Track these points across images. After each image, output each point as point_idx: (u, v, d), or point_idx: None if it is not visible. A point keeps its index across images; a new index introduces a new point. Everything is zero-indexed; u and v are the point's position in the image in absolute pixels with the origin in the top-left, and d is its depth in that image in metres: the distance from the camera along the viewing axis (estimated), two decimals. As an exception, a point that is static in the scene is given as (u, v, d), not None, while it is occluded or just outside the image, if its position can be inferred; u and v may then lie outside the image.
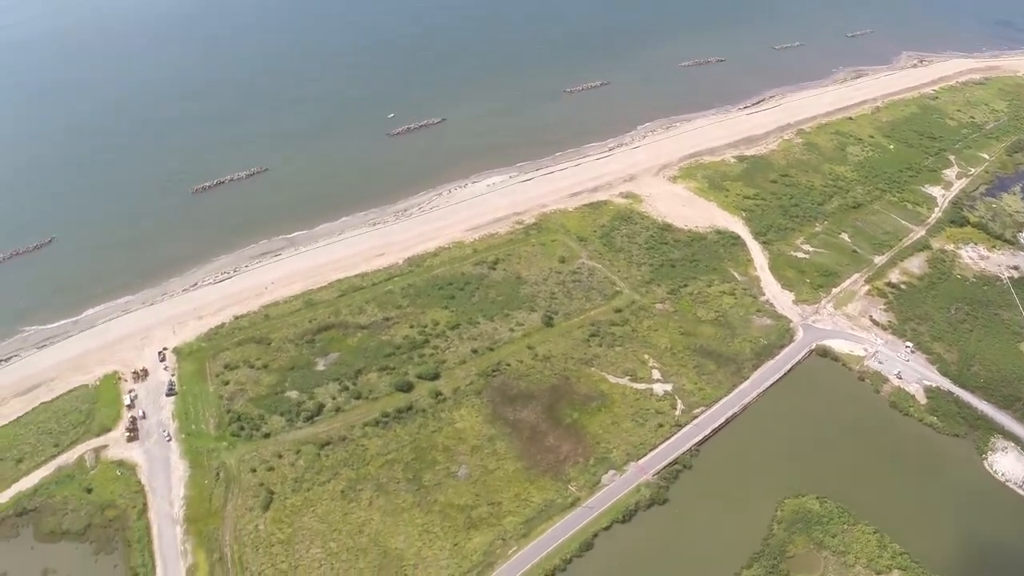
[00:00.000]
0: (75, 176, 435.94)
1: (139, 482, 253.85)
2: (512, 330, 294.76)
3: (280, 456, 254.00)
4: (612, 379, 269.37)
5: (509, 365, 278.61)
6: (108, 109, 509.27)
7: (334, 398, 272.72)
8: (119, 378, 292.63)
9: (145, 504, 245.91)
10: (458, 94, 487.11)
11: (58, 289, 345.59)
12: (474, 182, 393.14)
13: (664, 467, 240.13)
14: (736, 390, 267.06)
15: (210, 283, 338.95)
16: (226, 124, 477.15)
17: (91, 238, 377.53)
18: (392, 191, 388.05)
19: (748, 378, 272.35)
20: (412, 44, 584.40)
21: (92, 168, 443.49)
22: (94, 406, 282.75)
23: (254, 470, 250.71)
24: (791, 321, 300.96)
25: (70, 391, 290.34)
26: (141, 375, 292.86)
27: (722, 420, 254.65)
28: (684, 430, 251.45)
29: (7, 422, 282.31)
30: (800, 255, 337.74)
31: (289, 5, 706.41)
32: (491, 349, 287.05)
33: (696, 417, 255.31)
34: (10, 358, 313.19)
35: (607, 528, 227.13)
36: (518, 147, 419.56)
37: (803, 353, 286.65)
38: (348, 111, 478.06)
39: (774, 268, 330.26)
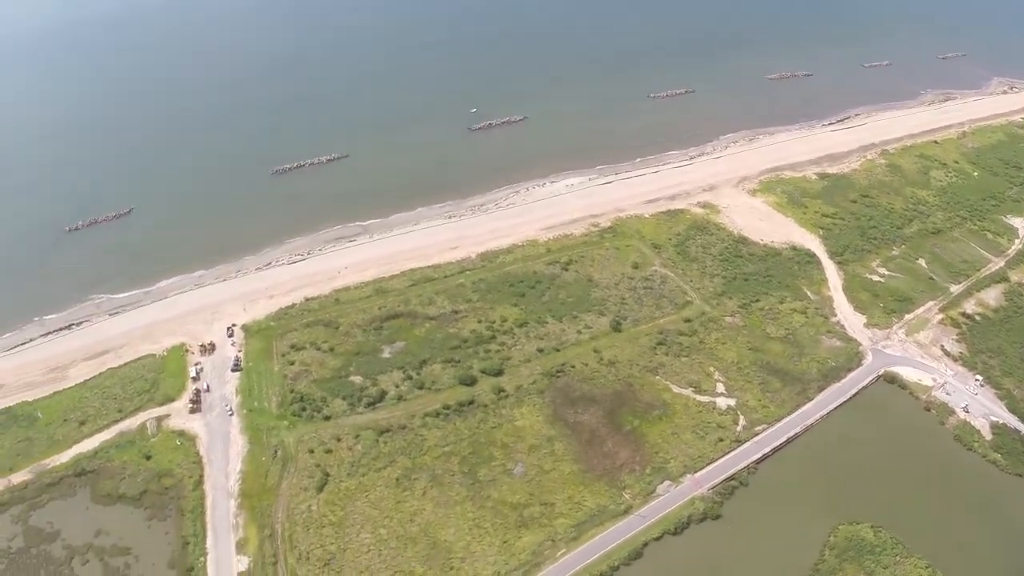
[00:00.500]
0: (157, 150, 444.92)
1: (198, 453, 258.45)
2: (580, 332, 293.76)
3: (339, 439, 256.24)
4: (676, 389, 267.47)
5: (574, 367, 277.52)
6: (197, 88, 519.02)
7: (397, 386, 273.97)
8: (186, 350, 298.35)
9: (202, 475, 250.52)
10: (542, 93, 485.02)
11: (133, 259, 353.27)
12: (552, 182, 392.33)
13: (720, 482, 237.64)
14: (799, 410, 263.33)
15: (284, 263, 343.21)
16: (310, 109, 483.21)
17: (169, 211, 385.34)
18: (470, 185, 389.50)
19: (812, 399, 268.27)
20: (499, 40, 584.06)
21: (175, 143, 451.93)
22: (160, 376, 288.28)
23: (312, 451, 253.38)
24: (860, 344, 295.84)
25: (137, 359, 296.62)
26: (208, 349, 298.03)
27: (783, 440, 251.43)
28: (744, 446, 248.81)
29: (73, 384, 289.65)
30: (875, 278, 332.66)
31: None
32: (557, 350, 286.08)
33: (757, 434, 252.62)
34: (81, 323, 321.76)
35: (658, 539, 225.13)
36: (599, 149, 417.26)
37: (870, 378, 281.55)
38: (431, 103, 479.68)
39: (848, 289, 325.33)
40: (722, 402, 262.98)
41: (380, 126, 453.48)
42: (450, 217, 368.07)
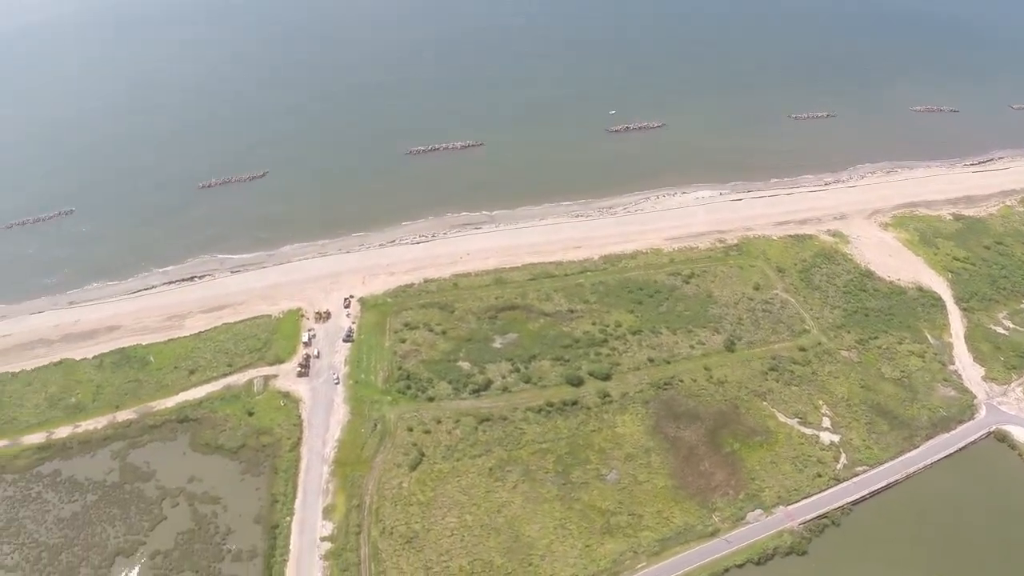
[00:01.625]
0: (297, 119, 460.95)
1: (299, 416, 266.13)
2: (692, 347, 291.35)
3: (439, 422, 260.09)
4: (781, 417, 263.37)
5: (682, 381, 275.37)
6: (342, 65, 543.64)
7: (504, 377, 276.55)
8: (302, 315, 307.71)
9: (300, 438, 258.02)
10: (682, 102, 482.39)
11: (261, 221, 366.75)
12: (683, 192, 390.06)
13: (812, 519, 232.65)
14: (903, 456, 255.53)
15: (407, 243, 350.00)
16: (450, 95, 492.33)
17: (301, 179, 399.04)
18: (600, 187, 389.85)
19: (918, 447, 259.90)
20: (644, 44, 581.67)
21: (315, 114, 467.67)
22: (273, 336, 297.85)
23: (411, 429, 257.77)
24: (975, 397, 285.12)
25: (253, 318, 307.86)
26: (324, 317, 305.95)
27: (882, 484, 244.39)
28: (841, 485, 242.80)
29: (188, 334, 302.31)
30: (1000, 330, 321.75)
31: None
32: (668, 362, 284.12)
33: (857, 475, 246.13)
34: (204, 276, 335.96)
35: (740, 566, 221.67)
36: (733, 165, 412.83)
37: (981, 433, 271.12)
38: (570, 101, 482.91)
39: (970, 338, 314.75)
40: (826, 437, 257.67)
41: (518, 118, 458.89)
42: (577, 216, 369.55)
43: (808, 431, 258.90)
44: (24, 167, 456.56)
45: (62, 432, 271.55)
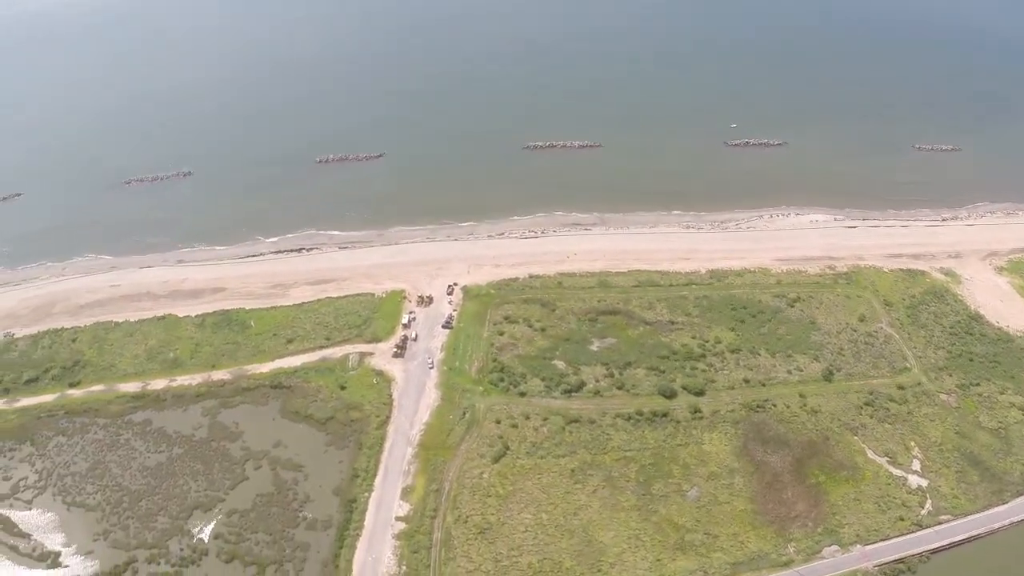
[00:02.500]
0: (416, 105, 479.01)
1: (390, 395, 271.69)
2: (790, 372, 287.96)
3: (527, 418, 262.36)
4: (871, 454, 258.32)
5: (775, 406, 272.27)
6: (468, 56, 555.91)
7: (597, 381, 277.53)
8: (404, 297, 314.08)
9: (388, 417, 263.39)
10: (804, 121, 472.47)
11: (374, 201, 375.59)
12: (797, 214, 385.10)
13: (888, 562, 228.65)
14: (991, 511, 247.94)
15: (516, 237, 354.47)
16: (571, 94, 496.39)
17: (417, 163, 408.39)
18: (714, 200, 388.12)
19: (1007, 503, 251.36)
20: (770, 59, 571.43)
21: (435, 102, 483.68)
22: (373, 315, 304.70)
23: (498, 422, 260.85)
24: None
25: (356, 295, 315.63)
26: (426, 301, 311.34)
27: (964, 536, 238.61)
28: (923, 532, 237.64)
29: (291, 304, 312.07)
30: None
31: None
32: (763, 384, 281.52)
33: (940, 523, 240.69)
34: (312, 249, 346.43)
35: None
36: (850, 191, 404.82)
37: None
38: (691, 109, 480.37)
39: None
40: (914, 480, 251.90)
41: (637, 123, 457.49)
42: (688, 228, 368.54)
43: (896, 472, 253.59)
44: (148, 128, 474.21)
45: (157, 384, 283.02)
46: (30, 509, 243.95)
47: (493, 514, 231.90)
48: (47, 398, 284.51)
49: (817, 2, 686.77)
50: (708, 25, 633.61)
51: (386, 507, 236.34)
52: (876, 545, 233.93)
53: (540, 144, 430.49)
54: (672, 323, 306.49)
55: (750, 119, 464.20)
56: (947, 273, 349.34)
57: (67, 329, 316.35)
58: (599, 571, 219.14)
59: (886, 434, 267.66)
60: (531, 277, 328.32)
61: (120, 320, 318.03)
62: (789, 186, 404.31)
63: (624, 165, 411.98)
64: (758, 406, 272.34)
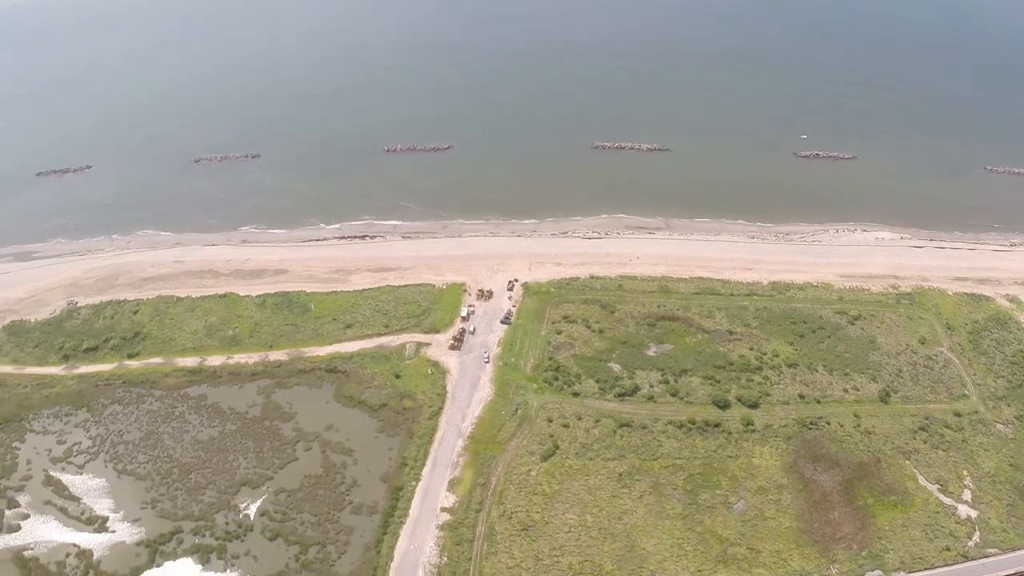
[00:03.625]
0: (484, 100, 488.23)
1: (444, 387, 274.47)
2: (846, 391, 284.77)
3: (579, 418, 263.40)
4: (922, 480, 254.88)
5: (828, 424, 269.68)
6: (536, 52, 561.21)
7: (651, 386, 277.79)
8: (464, 290, 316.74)
9: (441, 408, 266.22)
10: (873, 136, 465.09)
11: (439, 192, 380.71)
12: (863, 230, 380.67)
13: None
14: None
15: (579, 236, 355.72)
16: (640, 95, 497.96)
17: (484, 157, 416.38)
18: (780, 211, 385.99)
19: None
20: (840, 69, 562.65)
21: (503, 98, 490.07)
22: (433, 306, 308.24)
23: (550, 420, 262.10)
24: None
25: (417, 285, 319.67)
26: (485, 295, 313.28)
27: (1011, 571, 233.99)
28: (968, 564, 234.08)
29: (351, 290, 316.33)
30: None
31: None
32: (818, 401, 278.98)
33: (987, 556, 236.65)
34: (375, 237, 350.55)
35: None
36: (918, 210, 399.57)
37: None
38: (759, 117, 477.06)
39: None
40: (963, 511, 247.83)
41: (705, 128, 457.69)
42: (752, 237, 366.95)
43: (946, 500, 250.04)
44: (220, 109, 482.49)
45: (215, 361, 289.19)
46: (82, 474, 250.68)
47: (538, 512, 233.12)
48: (106, 367, 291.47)
49: (891, 16, 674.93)
50: (782, 34, 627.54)
51: (432, 497, 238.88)
52: (920, 573, 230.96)
53: (608, 144, 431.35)
54: (731, 333, 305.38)
55: (820, 131, 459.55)
56: (1012, 300, 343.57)
57: (129, 301, 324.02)
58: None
59: (939, 461, 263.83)
60: (592, 278, 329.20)
61: (182, 295, 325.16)
62: (856, 201, 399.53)
63: (691, 170, 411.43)
64: (811, 423, 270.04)
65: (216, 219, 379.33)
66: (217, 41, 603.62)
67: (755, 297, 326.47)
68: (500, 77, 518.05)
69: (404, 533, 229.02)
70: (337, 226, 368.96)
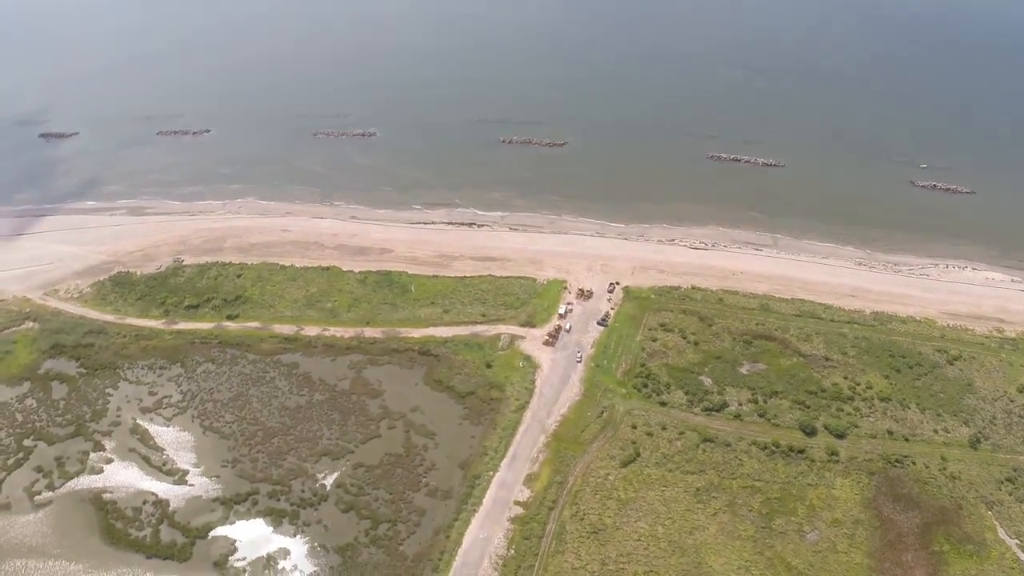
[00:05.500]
0: (601, 98, 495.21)
1: (533, 381, 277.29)
2: (936, 432, 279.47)
3: (664, 428, 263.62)
4: (1001, 533, 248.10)
5: (914, 464, 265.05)
6: (655, 55, 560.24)
7: (740, 404, 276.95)
8: (564, 288, 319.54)
9: (527, 402, 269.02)
10: (994, 171, 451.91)
11: (550, 186, 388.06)
12: (974, 269, 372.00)
13: None
14: None
15: (685, 246, 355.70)
16: (757, 108, 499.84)
17: (598, 156, 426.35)
18: (890, 240, 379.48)
19: None
20: (966, 93, 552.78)
21: (619, 98, 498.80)
22: (531, 300, 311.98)
23: (634, 427, 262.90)
24: None
25: (518, 277, 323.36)
26: (585, 294, 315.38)
27: None
28: None
29: (453, 276, 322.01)
30: None
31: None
32: (906, 439, 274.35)
33: None
34: (482, 225, 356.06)
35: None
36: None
37: None
38: (878, 140, 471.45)
39: None
40: None
41: (824, 147, 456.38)
42: (860, 264, 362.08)
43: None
44: (341, 85, 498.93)
45: (311, 331, 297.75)
46: (168, 426, 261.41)
47: (610, 517, 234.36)
48: (204, 326, 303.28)
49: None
50: (912, 58, 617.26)
51: (507, 489, 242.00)
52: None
53: (724, 155, 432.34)
54: (827, 359, 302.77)
55: (941, 160, 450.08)
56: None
57: (234, 264, 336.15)
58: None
59: (1021, 515, 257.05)
60: (693, 288, 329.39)
61: (286, 264, 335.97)
62: (970, 238, 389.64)
63: (804, 189, 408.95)
64: (897, 460, 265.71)
65: (327, 193, 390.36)
66: (345, 23, 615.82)
67: (855, 325, 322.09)
68: (622, 79, 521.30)
69: (475, 521, 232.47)
70: (445, 211, 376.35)
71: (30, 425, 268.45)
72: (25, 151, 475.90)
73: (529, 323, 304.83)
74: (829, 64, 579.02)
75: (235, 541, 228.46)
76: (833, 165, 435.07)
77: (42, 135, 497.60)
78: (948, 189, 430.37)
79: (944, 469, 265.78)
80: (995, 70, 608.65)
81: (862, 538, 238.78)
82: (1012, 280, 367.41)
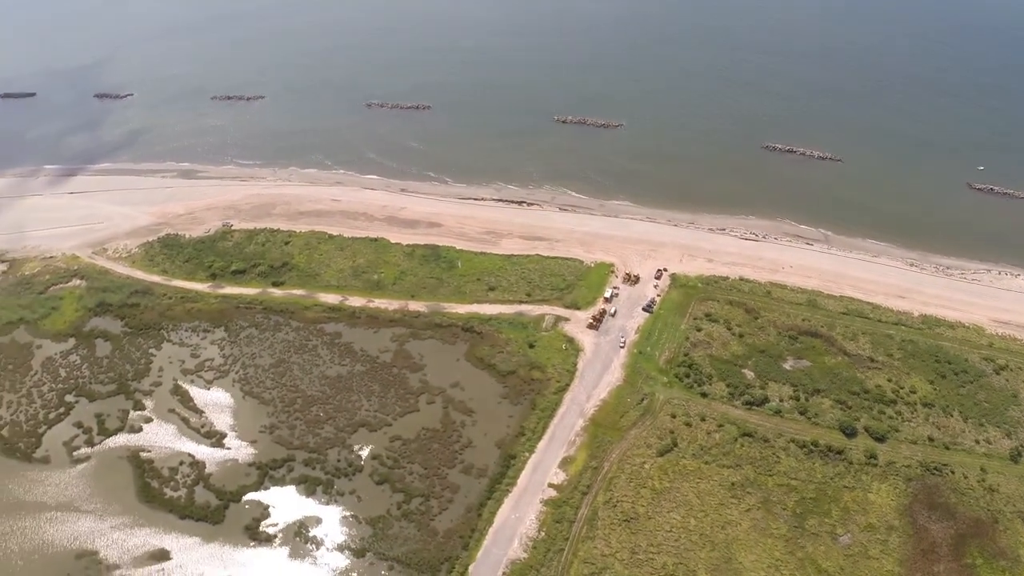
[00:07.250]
0: (662, 83, 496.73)
1: (575, 364, 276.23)
2: (977, 442, 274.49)
3: (703, 419, 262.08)
4: None
5: (952, 473, 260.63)
6: (715, 44, 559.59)
7: (781, 400, 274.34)
8: (612, 271, 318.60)
9: (568, 385, 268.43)
10: None
11: (604, 171, 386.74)
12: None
13: None
14: None
15: (735, 236, 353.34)
16: (812, 101, 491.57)
17: (655, 141, 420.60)
18: (943, 243, 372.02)
19: None
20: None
21: (679, 85, 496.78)
22: (578, 282, 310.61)
23: (673, 416, 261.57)
24: None
25: (566, 258, 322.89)
26: (632, 279, 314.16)
27: None
28: None
29: (500, 253, 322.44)
30: None
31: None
32: (947, 447, 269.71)
33: None
34: (532, 204, 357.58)
35: None
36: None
37: None
38: (941, 140, 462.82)
39: None
40: None
41: (881, 143, 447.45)
42: (911, 265, 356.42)
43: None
44: (397, 57, 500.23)
45: (355, 302, 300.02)
46: (209, 389, 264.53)
47: (643, 506, 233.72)
48: (249, 291, 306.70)
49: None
50: (977, 59, 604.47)
51: (542, 471, 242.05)
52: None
53: (779, 147, 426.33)
54: (872, 360, 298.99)
55: (1000, 164, 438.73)
56: None
57: (282, 231, 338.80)
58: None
59: None
60: (741, 279, 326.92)
61: (334, 233, 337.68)
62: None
63: (860, 186, 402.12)
64: (936, 468, 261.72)
65: (379, 164, 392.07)
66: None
67: (903, 327, 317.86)
68: (681, 64, 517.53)
69: (508, 501, 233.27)
70: (495, 188, 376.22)
71: (73, 381, 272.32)
72: (79, 110, 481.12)
73: (574, 305, 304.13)
74: (898, 66, 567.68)
75: (268, 507, 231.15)
76: (890, 163, 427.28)
77: (97, 95, 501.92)
78: (1006, 193, 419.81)
79: (983, 481, 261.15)
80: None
81: (895, 545, 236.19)
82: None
